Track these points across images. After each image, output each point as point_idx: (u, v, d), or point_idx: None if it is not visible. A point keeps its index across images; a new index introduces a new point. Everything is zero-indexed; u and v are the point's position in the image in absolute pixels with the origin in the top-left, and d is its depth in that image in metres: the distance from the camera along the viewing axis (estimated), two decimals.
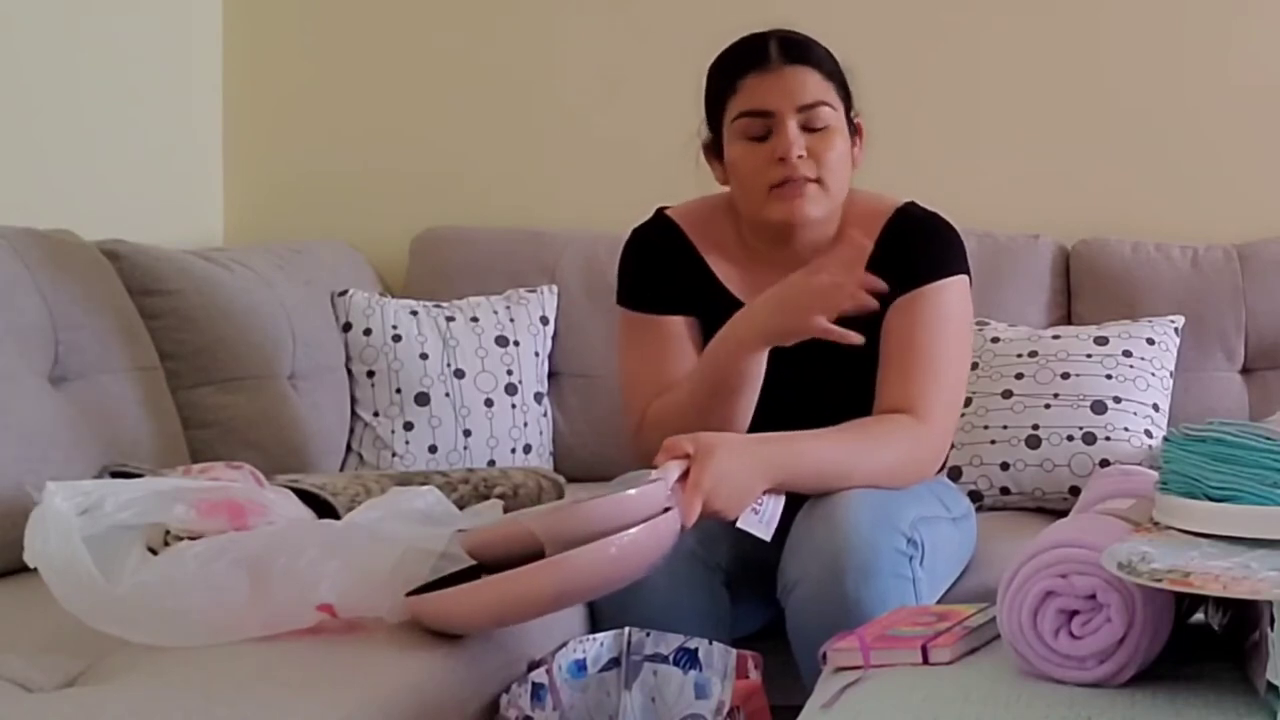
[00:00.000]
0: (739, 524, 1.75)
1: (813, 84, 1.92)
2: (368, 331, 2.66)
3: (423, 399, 2.63)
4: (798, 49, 1.94)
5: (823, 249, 1.98)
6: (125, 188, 2.73)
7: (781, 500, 1.78)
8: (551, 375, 2.80)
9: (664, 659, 1.64)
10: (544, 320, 2.79)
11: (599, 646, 1.65)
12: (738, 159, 1.94)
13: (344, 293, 2.71)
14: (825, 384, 1.95)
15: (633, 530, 1.51)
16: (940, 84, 2.96)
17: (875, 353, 1.93)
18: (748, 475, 1.74)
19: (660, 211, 2.07)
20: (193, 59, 3.03)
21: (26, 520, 1.46)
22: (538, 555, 1.48)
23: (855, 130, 2.00)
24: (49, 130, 2.54)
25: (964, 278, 1.98)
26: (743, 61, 1.93)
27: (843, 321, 1.93)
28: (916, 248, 1.96)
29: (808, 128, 1.91)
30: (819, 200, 1.93)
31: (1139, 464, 2.22)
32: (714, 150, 2.00)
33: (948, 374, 1.93)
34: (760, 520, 1.75)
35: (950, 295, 1.95)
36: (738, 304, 1.95)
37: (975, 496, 2.41)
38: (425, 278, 2.93)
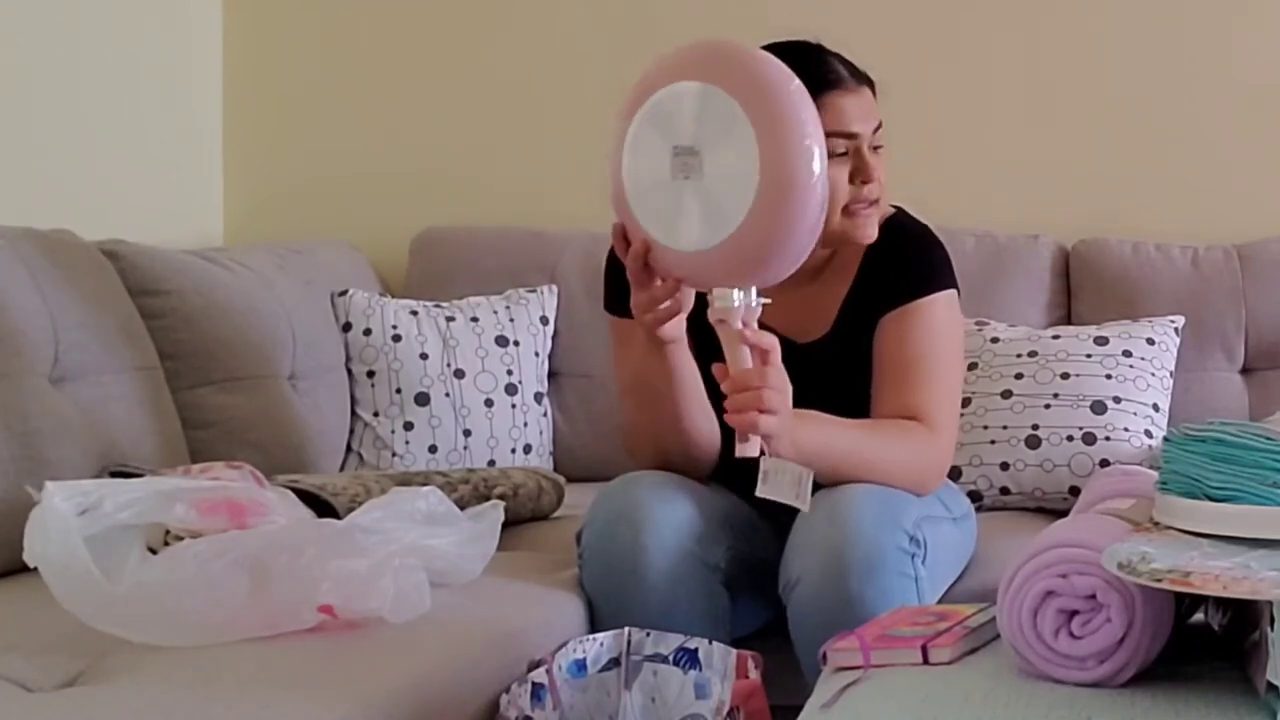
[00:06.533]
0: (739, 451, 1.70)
1: (875, 105, 1.92)
2: (368, 331, 2.66)
3: (423, 399, 2.63)
4: (858, 68, 1.93)
5: (820, 255, 1.97)
6: (125, 188, 2.73)
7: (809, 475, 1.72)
8: (551, 375, 2.80)
9: (664, 659, 1.64)
10: (544, 320, 2.79)
11: (599, 646, 1.65)
12: None
13: (344, 293, 2.71)
14: (816, 403, 1.94)
15: None
16: (940, 84, 2.96)
17: (866, 371, 1.94)
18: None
19: None
20: (193, 59, 3.03)
21: (26, 520, 1.46)
22: None
23: None
24: (49, 130, 2.54)
25: (952, 292, 1.97)
26: (817, 77, 1.84)
27: (836, 333, 1.96)
28: (904, 262, 1.95)
29: (873, 148, 1.91)
30: (875, 221, 1.93)
31: (1139, 464, 2.22)
32: None
33: (945, 388, 1.93)
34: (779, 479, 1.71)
35: (939, 310, 1.95)
36: None
37: (975, 496, 2.40)
38: (425, 278, 2.93)
